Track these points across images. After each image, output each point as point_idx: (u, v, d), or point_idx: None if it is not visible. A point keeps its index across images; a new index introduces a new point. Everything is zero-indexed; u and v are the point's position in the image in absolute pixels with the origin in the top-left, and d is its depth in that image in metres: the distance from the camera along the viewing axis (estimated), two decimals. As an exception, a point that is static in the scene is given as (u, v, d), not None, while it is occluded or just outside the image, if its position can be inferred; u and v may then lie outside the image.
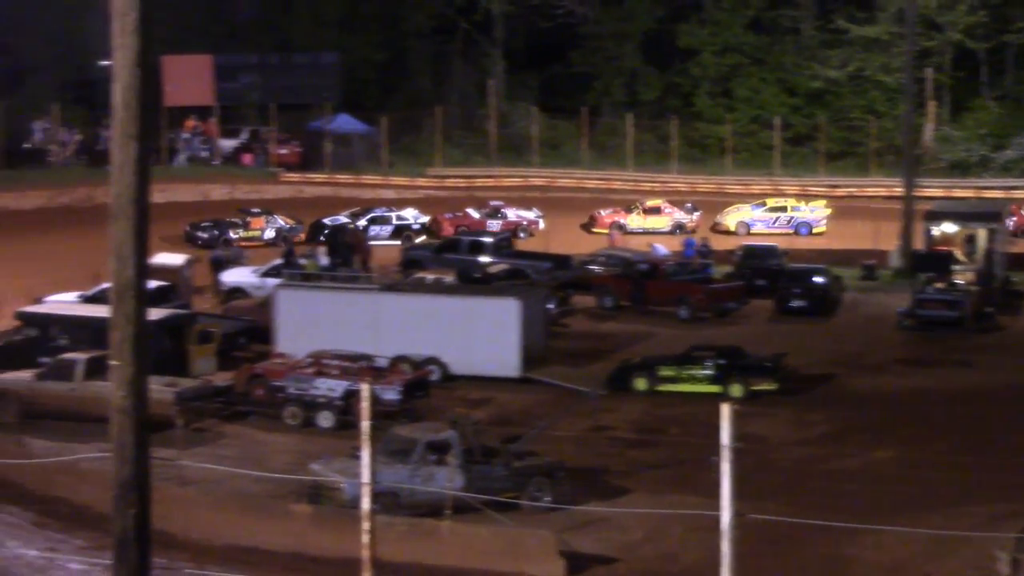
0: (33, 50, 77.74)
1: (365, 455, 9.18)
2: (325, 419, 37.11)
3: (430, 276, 48.60)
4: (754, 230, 64.15)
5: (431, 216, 63.34)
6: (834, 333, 48.30)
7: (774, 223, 64.64)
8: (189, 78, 74.84)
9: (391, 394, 36.40)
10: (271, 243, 59.51)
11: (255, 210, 62.15)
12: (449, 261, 52.61)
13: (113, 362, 8.96)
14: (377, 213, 62.55)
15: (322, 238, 58.46)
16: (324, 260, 52.05)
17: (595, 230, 64.18)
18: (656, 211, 65.55)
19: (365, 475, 9.28)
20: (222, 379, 39.82)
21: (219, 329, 42.63)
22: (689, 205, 66.53)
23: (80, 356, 37.38)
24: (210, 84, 77.08)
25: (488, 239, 56.42)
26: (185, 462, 31.08)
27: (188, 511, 29.32)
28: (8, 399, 37.02)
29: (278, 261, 51.41)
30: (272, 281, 46.93)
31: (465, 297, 43.98)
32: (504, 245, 56.06)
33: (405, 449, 30.81)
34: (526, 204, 66.52)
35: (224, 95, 77.70)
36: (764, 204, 66.49)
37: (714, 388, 39.32)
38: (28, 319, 42.01)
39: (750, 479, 16.10)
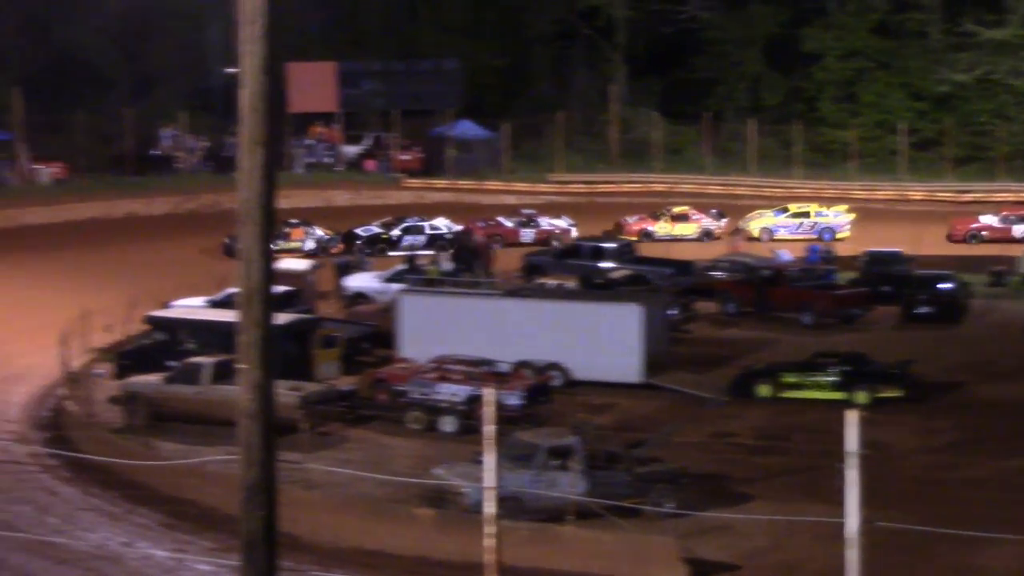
0: (161, 58, 79.03)
1: (489, 460, 9.19)
2: (448, 424, 37.22)
3: (552, 281, 48.59)
4: (777, 236, 63.68)
5: (464, 225, 62.46)
6: (962, 340, 47.59)
7: (797, 229, 64.02)
8: (314, 85, 75.50)
9: (513, 399, 36.42)
10: (311, 254, 58.37)
11: (293, 221, 60.82)
12: (571, 267, 52.58)
13: (240, 366, 9.02)
14: (410, 223, 62.07)
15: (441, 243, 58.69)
16: (447, 265, 52.25)
17: (622, 237, 62.79)
18: (684, 218, 64.90)
19: (489, 479, 9.28)
20: (346, 384, 40.09)
21: (343, 334, 42.94)
22: (715, 211, 65.93)
23: (207, 360, 37.81)
24: (334, 90, 77.71)
25: (610, 245, 56.30)
26: (311, 465, 31.35)
27: (314, 514, 29.57)
28: (137, 402, 37.54)
29: (401, 267, 51.69)
30: (395, 286, 47.19)
31: (587, 303, 43.92)
32: (626, 251, 55.94)
33: (527, 454, 30.81)
34: (576, 211, 65.83)
35: (348, 101, 78.31)
36: (787, 210, 65.80)
37: (838, 395, 38.91)
38: (157, 323, 42.62)
39: (876, 487, 15.91)
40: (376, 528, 30.15)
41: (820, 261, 55.42)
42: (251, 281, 9.17)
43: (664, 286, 49.93)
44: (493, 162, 77.74)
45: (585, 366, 41.11)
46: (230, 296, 43.29)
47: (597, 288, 48.73)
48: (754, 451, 35.74)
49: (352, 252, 58.04)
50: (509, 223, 63.28)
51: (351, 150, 78.34)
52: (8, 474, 34.71)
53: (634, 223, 64.50)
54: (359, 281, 51.63)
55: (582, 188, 75.00)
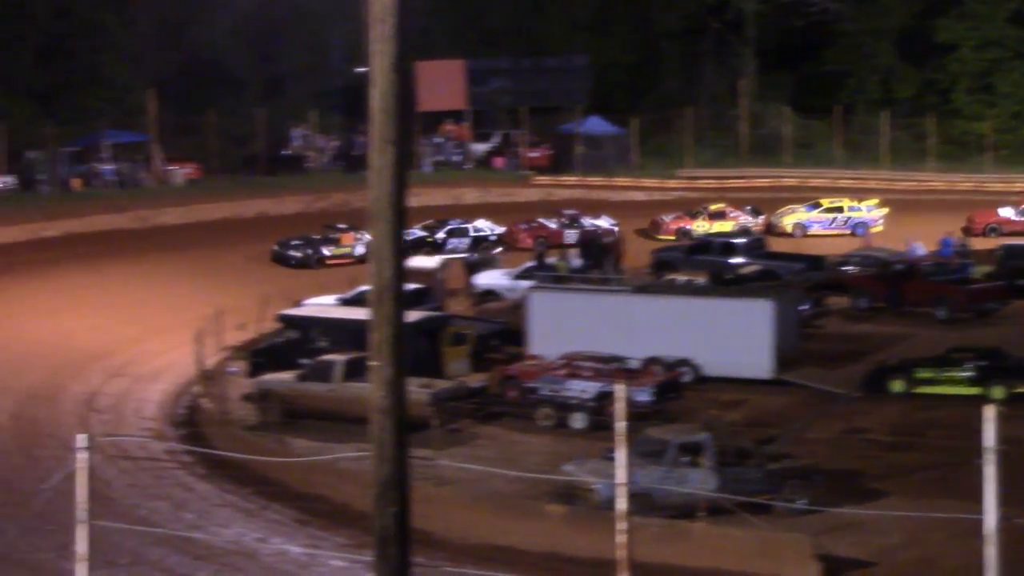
0: (292, 59, 79.85)
1: (620, 456, 9.18)
2: (578, 420, 37.23)
3: (682, 277, 48.41)
4: (811, 232, 62.82)
5: (506, 227, 61.38)
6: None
7: (831, 224, 63.04)
8: (443, 83, 75.81)
9: (644, 396, 36.36)
10: (362, 260, 55.93)
11: (341, 225, 59.63)
12: (701, 262, 52.33)
13: (372, 363, 9.10)
14: (454, 225, 61.56)
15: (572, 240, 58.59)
16: (576, 262, 52.23)
17: (660, 236, 62.08)
18: (721, 216, 63.83)
19: (620, 476, 9.27)
20: (476, 381, 40.24)
21: (473, 331, 43.11)
22: (750, 208, 64.96)
23: (339, 358, 38.14)
24: (463, 89, 78.01)
25: (740, 240, 55.96)
26: (442, 462, 31.52)
27: (445, 511, 29.72)
28: (271, 399, 37.98)
29: (531, 263, 51.76)
30: (525, 283, 47.28)
31: (717, 298, 43.71)
32: (756, 246, 55.58)
33: (658, 451, 30.75)
34: (635, 210, 65.11)
35: (476, 99, 78.57)
36: (820, 205, 64.82)
37: (974, 390, 38.35)
38: (289, 322, 43.08)
39: (1014, 483, 15.66)
40: (507, 524, 30.24)
41: (954, 255, 54.61)
42: (382, 279, 9.24)
43: (795, 281, 49.52)
44: (622, 158, 77.55)
45: (715, 362, 40.90)
46: (361, 294, 43.65)
47: (727, 284, 48.47)
48: (887, 447, 35.33)
49: (481, 250, 58.12)
50: (553, 224, 62.35)
51: (480, 148, 78.58)
52: (146, 471, 35.29)
53: (671, 221, 63.48)
54: (488, 278, 51.80)
55: (712, 184, 74.56)
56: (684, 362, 40.83)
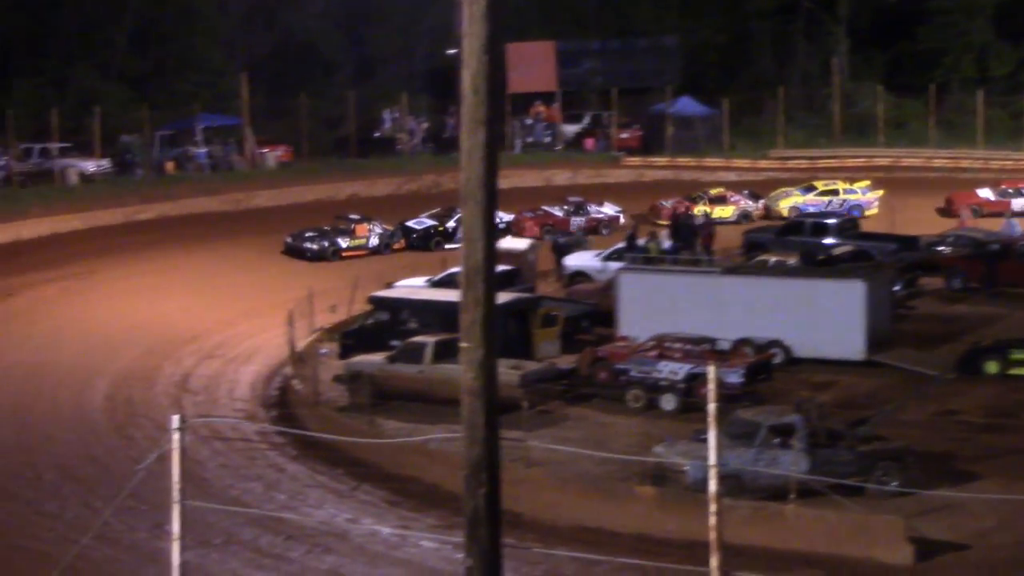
0: (383, 41, 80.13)
1: (712, 437, 9.14)
2: (668, 402, 37.16)
3: (772, 258, 48.13)
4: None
5: (513, 215, 59.83)
6: None
7: (827, 206, 61.86)
8: (533, 64, 75.72)
9: (734, 377, 36.21)
10: (376, 251, 56.39)
11: (354, 216, 58.20)
12: (792, 243, 51.96)
13: (463, 344, 9.12)
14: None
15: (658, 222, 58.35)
16: (667, 243, 52.07)
17: (659, 222, 60.54)
18: (722, 200, 62.90)
19: (712, 457, 9.24)
20: (565, 362, 40.25)
21: (562, 312, 43.11)
22: (747, 192, 64.06)
23: (429, 339, 38.27)
24: (553, 70, 77.90)
25: (832, 220, 55.52)
26: (532, 443, 31.56)
27: (535, 492, 29.78)
28: (361, 381, 38.16)
29: (620, 245, 51.65)
30: (614, 265, 47.20)
31: (809, 279, 43.39)
32: (848, 226, 55.09)
33: (748, 432, 30.63)
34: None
35: (567, 80, 78.44)
36: (813, 187, 63.95)
37: None
38: (380, 303, 43.25)
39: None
40: (597, 506, 30.24)
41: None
42: (473, 260, 9.26)
43: (888, 262, 49.08)
44: (713, 139, 77.17)
45: (807, 343, 40.64)
46: (451, 275, 43.76)
47: (819, 264, 48.11)
48: (981, 429, 35.01)
49: (571, 231, 58.03)
50: (558, 212, 61.44)
51: (570, 129, 78.47)
52: (238, 452, 35.60)
53: (671, 206, 62.16)
54: (578, 260, 51.75)
55: (803, 164, 74.01)
56: (775, 343, 40.60)
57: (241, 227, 57.19)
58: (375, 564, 28.58)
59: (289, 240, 56.50)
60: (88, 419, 37.76)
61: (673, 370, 37.28)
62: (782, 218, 61.42)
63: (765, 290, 42.01)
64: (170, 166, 67.57)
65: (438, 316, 39.31)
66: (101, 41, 73.58)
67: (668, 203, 62.96)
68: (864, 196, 63.40)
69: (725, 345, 39.25)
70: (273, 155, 71.13)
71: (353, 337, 42.40)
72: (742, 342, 40.18)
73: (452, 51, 57.62)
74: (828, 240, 52.56)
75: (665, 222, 59.88)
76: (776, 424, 30.83)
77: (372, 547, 29.57)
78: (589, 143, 77.55)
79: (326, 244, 55.88)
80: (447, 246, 55.22)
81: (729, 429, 29.37)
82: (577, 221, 60.88)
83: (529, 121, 77.37)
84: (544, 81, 77.39)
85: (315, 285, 45.79)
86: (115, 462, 34.26)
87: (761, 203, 63.79)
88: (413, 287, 46.21)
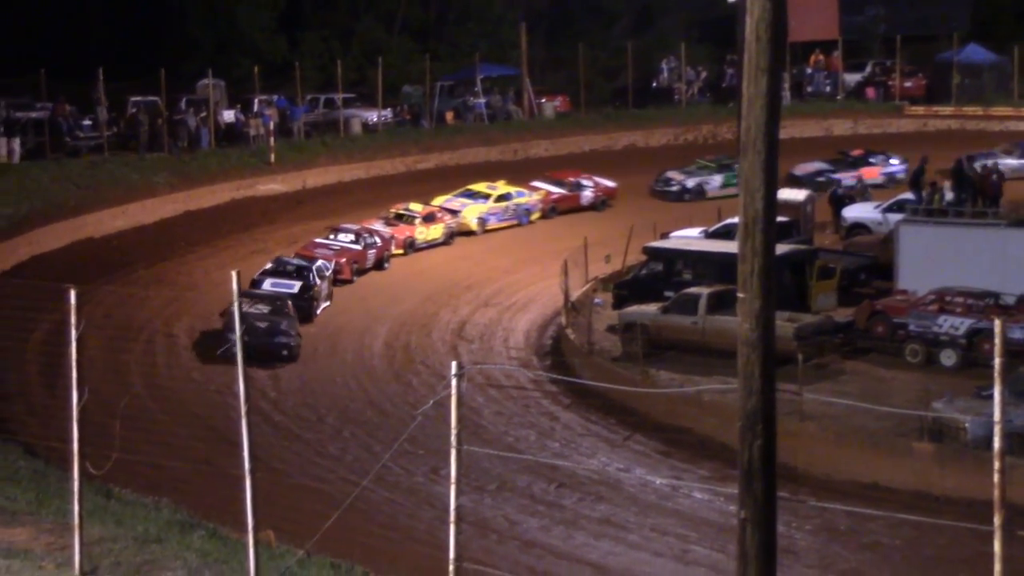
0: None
1: (997, 393, 8.85)
2: (947, 357, 36.35)
3: (1062, 212, 46.53)
4: (491, 225, 53.25)
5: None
6: None
7: (504, 213, 53.93)
8: (815, 12, 74.46)
9: (1019, 333, 35.17)
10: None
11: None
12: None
13: (740, 294, 9.01)
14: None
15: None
16: (949, 195, 50.77)
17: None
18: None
19: (997, 413, 8.95)
20: (842, 315, 39.68)
21: (840, 265, 42.48)
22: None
23: (703, 290, 38.12)
24: (835, 17, 76.53)
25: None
26: (807, 396, 31.20)
27: (810, 445, 29.49)
28: (635, 331, 38.20)
29: (903, 196, 50.54)
30: (895, 217, 46.23)
31: (1099, 233, 41.79)
32: None
33: (1034, 390, 29.72)
34: None
35: (849, 28, 76.95)
36: (481, 195, 54.45)
37: None
38: (654, 254, 43.22)
39: None
40: (873, 461, 29.81)
41: None
42: (753, 210, 9.13)
43: None
44: (1002, 87, 74.77)
45: (1097, 300, 39.22)
46: (727, 227, 43.46)
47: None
48: None
49: (854, 182, 56.94)
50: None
51: (851, 78, 76.98)
52: (513, 399, 36.01)
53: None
54: (857, 211, 50.87)
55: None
56: (1062, 299, 39.30)
57: (520, 177, 57.54)
58: (647, 514, 28.65)
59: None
60: (368, 364, 38.63)
61: (954, 325, 36.45)
62: (471, 231, 52.97)
63: (1053, 244, 40.61)
64: (449, 116, 68.40)
65: (713, 267, 39.17)
66: (385, -5, 74.96)
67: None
68: (530, 199, 55.40)
69: (1010, 300, 38.13)
70: (551, 105, 71.37)
71: (627, 287, 42.46)
72: (1027, 297, 39.03)
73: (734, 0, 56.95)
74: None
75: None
76: (1063, 382, 29.87)
77: (644, 497, 29.65)
78: (870, 92, 75.93)
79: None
80: None
81: (1013, 386, 28.55)
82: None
83: (810, 70, 76.13)
84: (826, 29, 76.04)
85: (592, 235, 45.96)
86: (393, 407, 35.00)
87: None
88: (688, 238, 46.03)
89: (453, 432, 10.93)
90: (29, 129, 55.19)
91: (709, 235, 45.85)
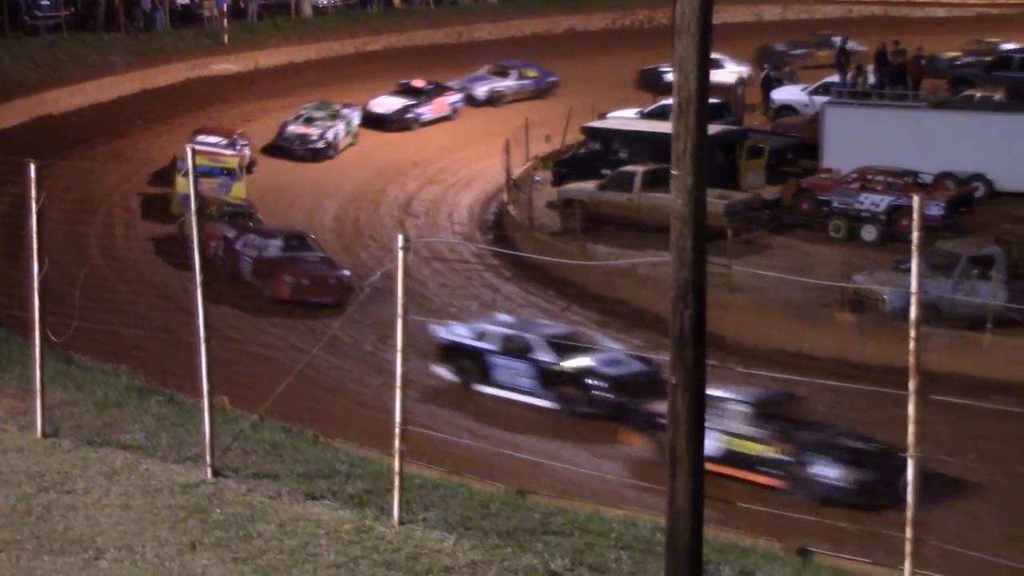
0: None
1: (915, 266, 8.90)
2: (868, 232, 36.62)
3: (979, 93, 46.64)
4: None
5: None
6: None
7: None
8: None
9: (935, 209, 35.42)
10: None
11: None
12: (1000, 78, 50.18)
13: (673, 172, 8.98)
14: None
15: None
16: (873, 78, 50.77)
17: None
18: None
19: (914, 284, 9.00)
20: (770, 192, 39.82)
21: (768, 145, 42.53)
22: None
23: (638, 168, 38.15)
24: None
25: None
26: (736, 268, 31.34)
27: (738, 316, 29.65)
28: (574, 207, 38.22)
29: (828, 80, 50.46)
30: (820, 99, 46.24)
31: (1015, 114, 41.99)
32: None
33: (949, 263, 30.01)
34: None
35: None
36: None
37: None
38: (592, 133, 43.14)
39: None
40: (797, 330, 30.07)
41: None
42: (688, 91, 9.07)
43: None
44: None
45: (1010, 177, 39.51)
46: (661, 107, 43.36)
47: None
48: None
49: (781, 64, 56.70)
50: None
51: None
52: (456, 272, 36.03)
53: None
54: (785, 94, 50.85)
55: None
56: (977, 177, 39.56)
57: (463, 59, 57.08)
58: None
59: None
60: (319, 238, 38.45)
61: (875, 202, 36.68)
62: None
63: (970, 125, 40.79)
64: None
65: (648, 146, 39.17)
66: None
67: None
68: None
69: (928, 178, 38.35)
70: (494, -11, 70.66)
71: (566, 165, 42.40)
72: (944, 176, 39.22)
73: None
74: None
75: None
76: (976, 255, 30.18)
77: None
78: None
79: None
80: None
81: (929, 259, 28.83)
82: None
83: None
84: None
85: (532, 116, 45.75)
86: (343, 278, 34.83)
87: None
88: (624, 118, 45.90)
89: (399, 302, 10.90)
90: (-13, 8, 54.18)
91: (645, 115, 45.76)
